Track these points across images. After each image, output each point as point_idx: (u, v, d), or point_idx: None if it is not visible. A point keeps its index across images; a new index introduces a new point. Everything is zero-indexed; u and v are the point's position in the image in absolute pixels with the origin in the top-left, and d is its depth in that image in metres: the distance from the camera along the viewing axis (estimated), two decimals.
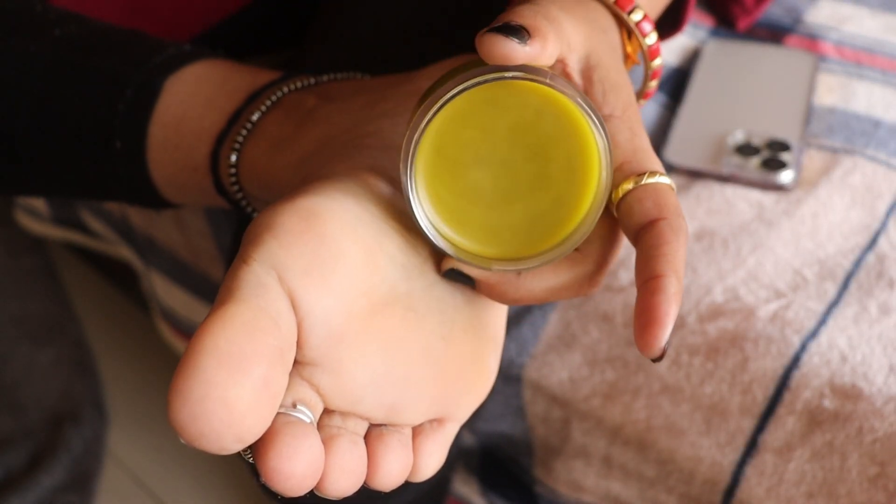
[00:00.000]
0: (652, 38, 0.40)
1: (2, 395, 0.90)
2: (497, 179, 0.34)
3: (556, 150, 0.33)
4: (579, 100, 0.32)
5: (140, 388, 1.10)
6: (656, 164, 0.35)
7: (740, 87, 0.77)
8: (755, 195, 0.68)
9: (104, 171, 0.47)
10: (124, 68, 0.45)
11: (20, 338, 0.92)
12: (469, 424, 0.66)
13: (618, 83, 0.37)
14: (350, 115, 0.41)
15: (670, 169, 0.70)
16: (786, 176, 0.68)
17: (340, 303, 0.32)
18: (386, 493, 0.34)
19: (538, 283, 0.35)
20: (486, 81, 0.32)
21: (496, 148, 0.33)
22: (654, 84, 0.42)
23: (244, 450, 0.29)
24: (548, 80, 0.32)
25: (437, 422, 0.36)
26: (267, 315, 0.29)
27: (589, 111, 0.32)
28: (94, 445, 0.94)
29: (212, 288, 0.82)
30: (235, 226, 0.59)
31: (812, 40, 0.82)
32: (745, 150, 0.70)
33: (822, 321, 0.59)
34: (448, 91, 0.32)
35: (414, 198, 0.34)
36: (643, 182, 0.34)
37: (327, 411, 0.33)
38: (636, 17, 0.40)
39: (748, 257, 0.63)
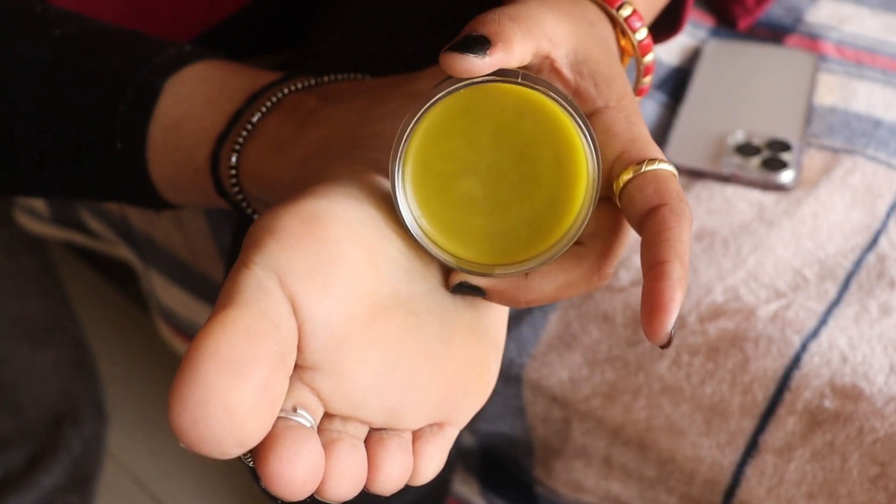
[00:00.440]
0: (642, 34, 0.40)
1: (1, 396, 0.89)
2: (488, 186, 0.34)
3: (541, 147, 0.33)
4: (552, 93, 0.32)
5: (140, 388, 1.10)
6: (656, 151, 0.35)
7: (741, 86, 0.77)
8: (755, 195, 0.68)
9: (104, 172, 0.47)
10: (124, 69, 0.45)
11: (20, 338, 0.92)
12: (469, 425, 0.66)
13: (610, 75, 0.36)
14: (351, 117, 0.41)
15: None
16: (786, 176, 0.68)
17: (342, 306, 0.31)
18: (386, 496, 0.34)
19: (547, 282, 0.35)
20: (456, 90, 0.32)
21: (482, 155, 0.33)
22: (647, 80, 0.41)
23: (245, 454, 0.29)
24: (519, 80, 0.32)
25: (437, 426, 0.35)
26: (268, 319, 0.29)
27: (563, 102, 0.32)
28: (93, 446, 0.94)
29: (211, 288, 0.82)
30: (235, 227, 0.59)
31: (812, 40, 0.82)
32: (746, 149, 0.70)
33: (823, 321, 0.59)
34: (421, 107, 0.32)
35: (409, 217, 0.34)
36: (643, 170, 0.34)
37: (328, 415, 0.32)
38: (625, 12, 0.40)
39: (748, 257, 0.63)
